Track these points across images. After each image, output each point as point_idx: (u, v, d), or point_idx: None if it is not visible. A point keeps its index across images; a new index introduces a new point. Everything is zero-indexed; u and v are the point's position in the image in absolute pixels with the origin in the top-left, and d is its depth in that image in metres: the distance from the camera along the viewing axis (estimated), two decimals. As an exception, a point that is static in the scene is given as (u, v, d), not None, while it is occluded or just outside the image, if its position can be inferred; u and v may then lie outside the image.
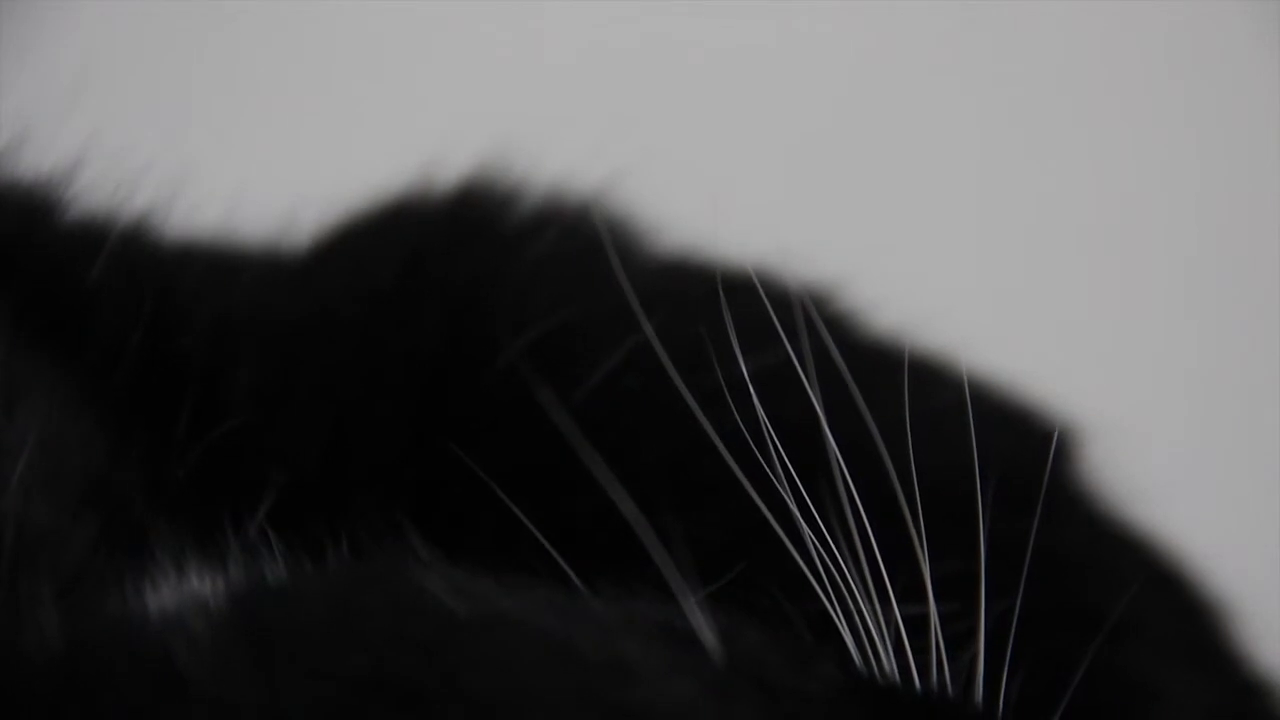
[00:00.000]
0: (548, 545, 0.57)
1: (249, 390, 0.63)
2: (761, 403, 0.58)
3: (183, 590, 0.53)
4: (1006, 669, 0.57)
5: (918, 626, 0.57)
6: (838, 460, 0.58)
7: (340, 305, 0.67)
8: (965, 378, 0.65)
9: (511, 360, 0.63)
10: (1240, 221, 1.03)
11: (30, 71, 0.91)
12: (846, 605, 0.56)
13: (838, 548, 0.57)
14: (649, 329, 0.59)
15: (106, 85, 0.73)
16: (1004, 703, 0.57)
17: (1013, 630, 0.58)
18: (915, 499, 0.58)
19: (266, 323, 0.66)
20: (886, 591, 0.57)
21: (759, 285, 0.63)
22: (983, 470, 0.59)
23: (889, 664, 0.56)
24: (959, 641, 0.57)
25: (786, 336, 0.60)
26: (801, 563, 0.57)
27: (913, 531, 0.57)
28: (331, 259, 0.70)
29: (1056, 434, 0.68)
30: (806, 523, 0.57)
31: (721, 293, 0.61)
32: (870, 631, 0.56)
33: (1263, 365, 0.99)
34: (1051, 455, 0.66)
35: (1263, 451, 0.96)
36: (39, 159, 0.66)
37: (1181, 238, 1.04)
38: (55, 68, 0.91)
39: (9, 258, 0.62)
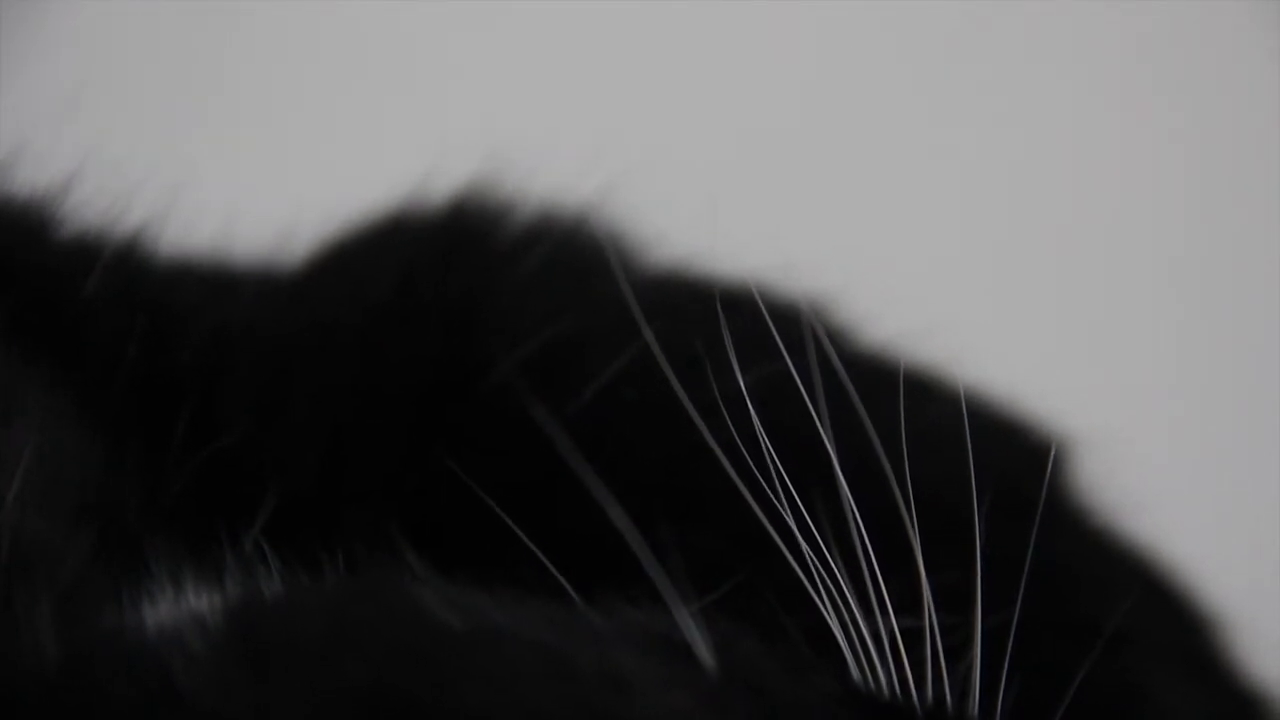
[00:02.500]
0: (542, 557, 0.57)
1: (245, 404, 0.63)
2: (759, 415, 0.58)
3: (180, 606, 0.53)
4: (1003, 680, 0.57)
5: (915, 638, 0.57)
6: (837, 473, 0.58)
7: (335, 320, 0.67)
8: (960, 391, 0.65)
9: (506, 374, 0.63)
10: (1236, 231, 1.03)
11: (26, 84, 0.91)
12: (843, 617, 0.57)
13: (834, 559, 0.57)
14: (650, 337, 0.59)
15: (102, 99, 0.73)
16: (1000, 714, 0.57)
17: (1010, 642, 0.58)
18: (911, 512, 0.58)
19: (262, 337, 0.66)
20: (884, 603, 0.57)
21: (754, 298, 0.63)
22: (978, 483, 0.59)
23: (886, 676, 0.56)
24: (955, 653, 0.57)
25: (784, 349, 0.60)
26: (800, 573, 0.57)
27: (914, 543, 0.57)
28: (326, 274, 0.70)
29: (1052, 446, 0.68)
30: (803, 534, 0.57)
31: (718, 306, 0.61)
32: (867, 643, 0.56)
33: (1258, 376, 0.99)
34: (1049, 467, 0.66)
35: (1258, 463, 0.96)
36: (35, 173, 0.66)
37: (1178, 248, 1.04)
38: (51, 81, 0.91)
39: (4, 272, 0.62)
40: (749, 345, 0.61)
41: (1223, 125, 1.04)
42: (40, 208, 0.65)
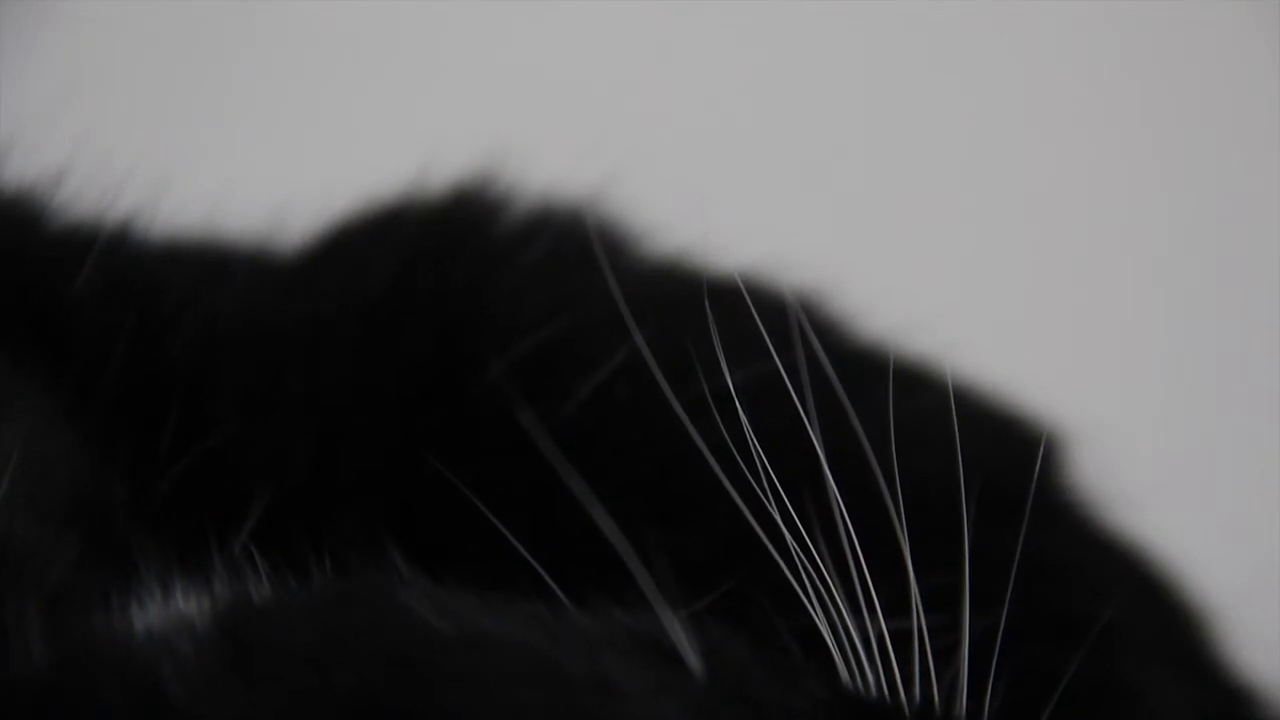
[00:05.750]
0: (531, 559, 0.57)
1: (234, 401, 0.63)
2: (751, 412, 0.58)
3: (168, 609, 0.53)
4: (992, 677, 0.57)
5: (904, 638, 0.57)
6: (827, 471, 0.58)
7: (330, 313, 0.67)
8: (950, 384, 0.65)
9: (499, 373, 0.63)
10: (1227, 226, 1.03)
11: (16, 77, 0.91)
12: (832, 618, 0.57)
13: (823, 560, 0.57)
14: (640, 340, 0.59)
15: (94, 91, 0.73)
16: (989, 711, 0.58)
17: (999, 638, 0.58)
18: (900, 507, 0.58)
19: (255, 330, 0.66)
20: (873, 604, 0.57)
21: (748, 292, 0.63)
22: (968, 477, 0.59)
23: (875, 677, 0.56)
24: (944, 652, 0.57)
25: (775, 344, 0.60)
26: (789, 575, 0.57)
27: (903, 542, 0.57)
28: (322, 265, 0.70)
29: (1042, 440, 0.68)
30: (793, 535, 0.57)
31: (710, 300, 0.61)
32: (856, 644, 0.56)
33: (1247, 370, 0.99)
34: (1039, 462, 0.66)
35: (1246, 456, 0.96)
36: (25, 165, 0.65)
37: (1167, 244, 1.04)
38: (41, 74, 0.91)
39: (-3, 271, 0.62)
40: (741, 342, 0.61)
41: (1214, 118, 1.04)
42: (29, 201, 0.65)
